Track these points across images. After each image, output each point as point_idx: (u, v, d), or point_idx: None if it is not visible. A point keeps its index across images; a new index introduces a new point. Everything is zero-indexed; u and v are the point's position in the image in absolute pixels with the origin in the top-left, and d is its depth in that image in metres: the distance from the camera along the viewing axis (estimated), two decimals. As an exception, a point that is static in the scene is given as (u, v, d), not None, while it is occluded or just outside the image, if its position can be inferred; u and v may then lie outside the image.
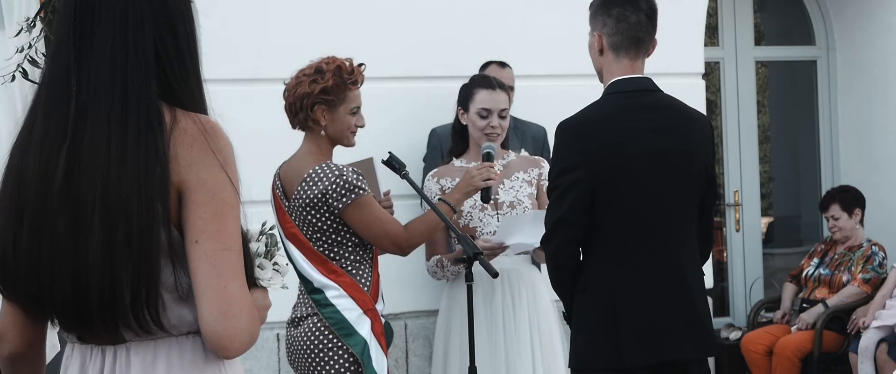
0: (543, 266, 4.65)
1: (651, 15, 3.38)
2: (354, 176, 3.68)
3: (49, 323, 2.00)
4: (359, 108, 3.77)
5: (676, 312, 3.32)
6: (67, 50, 1.89)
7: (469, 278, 4.01)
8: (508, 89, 5.29)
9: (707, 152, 3.42)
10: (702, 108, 6.30)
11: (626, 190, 3.28)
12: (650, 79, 3.41)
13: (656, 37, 3.43)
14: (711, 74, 7.68)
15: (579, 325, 3.38)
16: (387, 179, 4.12)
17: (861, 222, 6.67)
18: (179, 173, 1.85)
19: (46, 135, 1.88)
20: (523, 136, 5.43)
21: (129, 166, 1.82)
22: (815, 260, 6.76)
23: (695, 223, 3.42)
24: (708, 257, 3.54)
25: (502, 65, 5.54)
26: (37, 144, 1.88)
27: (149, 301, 1.83)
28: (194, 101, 1.95)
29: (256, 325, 1.90)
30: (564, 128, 3.36)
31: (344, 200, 3.65)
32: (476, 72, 5.28)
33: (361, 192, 3.67)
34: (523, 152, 4.62)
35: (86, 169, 1.83)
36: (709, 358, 3.47)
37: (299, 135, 3.83)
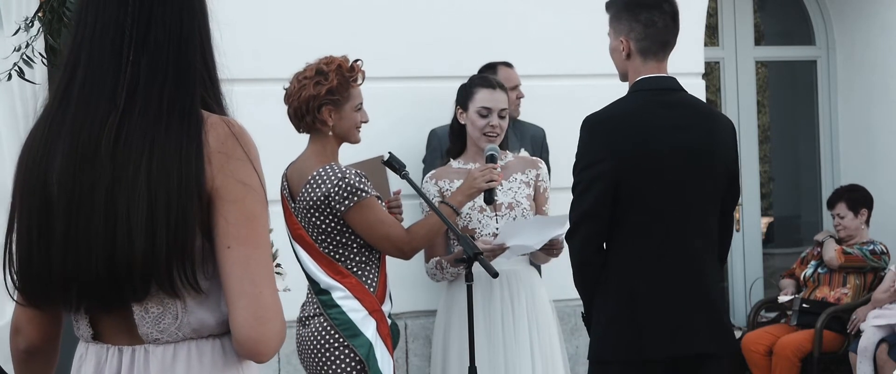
0: (542, 268, 4.65)
1: (675, 16, 3.43)
2: (357, 178, 3.67)
3: (65, 316, 2.00)
4: (361, 104, 3.78)
5: (695, 307, 3.35)
6: (121, 23, 1.89)
7: (469, 278, 4.00)
8: (513, 89, 5.30)
9: (730, 152, 3.45)
10: (702, 108, 6.30)
11: (648, 185, 3.31)
12: (675, 78, 3.45)
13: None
14: (711, 73, 7.67)
15: (599, 318, 3.40)
16: (393, 182, 4.12)
17: (867, 222, 6.66)
18: (211, 176, 1.84)
19: (90, 106, 1.87)
20: (522, 136, 5.43)
21: (173, 138, 1.83)
22: (814, 262, 6.75)
23: (715, 222, 3.44)
24: (725, 260, 3.58)
25: (508, 65, 5.53)
26: (77, 119, 1.87)
27: (186, 260, 1.82)
28: (218, 102, 1.96)
29: (285, 328, 1.90)
30: (589, 123, 3.38)
31: (346, 202, 3.65)
32: (476, 72, 5.27)
33: (364, 194, 3.66)
34: (523, 152, 4.61)
35: (135, 132, 1.83)
36: (727, 356, 3.48)
37: (300, 135, 3.83)
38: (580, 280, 3.43)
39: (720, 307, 3.43)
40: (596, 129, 3.35)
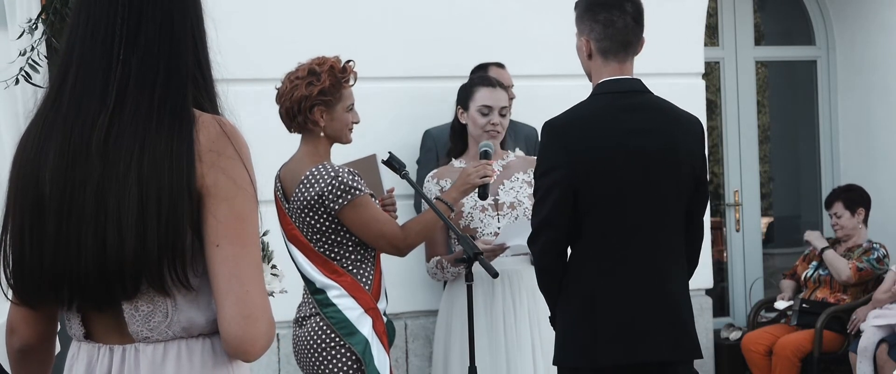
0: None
1: (637, 17, 3.36)
2: (350, 177, 3.68)
3: (60, 315, 2.00)
4: (353, 104, 3.79)
5: (655, 314, 3.30)
6: (112, 22, 1.90)
7: (469, 278, 4.01)
8: (508, 88, 5.31)
9: (695, 155, 3.39)
10: (702, 108, 6.31)
11: (608, 191, 3.27)
12: (639, 80, 3.40)
13: (647, 36, 3.41)
14: (711, 73, 7.68)
15: (562, 322, 3.39)
16: (387, 180, 4.13)
17: (865, 222, 6.67)
18: (202, 173, 1.85)
19: (81, 105, 1.88)
20: (516, 136, 5.44)
21: (163, 136, 1.84)
22: (814, 263, 6.75)
23: (681, 227, 3.39)
24: (696, 265, 3.51)
25: (501, 66, 5.55)
26: (68, 119, 1.88)
27: (176, 258, 1.83)
28: (211, 101, 1.96)
29: (274, 328, 1.90)
30: (549, 127, 3.35)
31: (340, 201, 3.66)
32: (473, 72, 5.29)
33: (357, 193, 3.67)
34: (518, 152, 4.63)
35: (125, 131, 1.84)
36: (695, 360, 3.45)
37: (297, 135, 3.84)
38: (542, 285, 3.42)
39: (683, 313, 3.35)
40: (554, 133, 3.31)
